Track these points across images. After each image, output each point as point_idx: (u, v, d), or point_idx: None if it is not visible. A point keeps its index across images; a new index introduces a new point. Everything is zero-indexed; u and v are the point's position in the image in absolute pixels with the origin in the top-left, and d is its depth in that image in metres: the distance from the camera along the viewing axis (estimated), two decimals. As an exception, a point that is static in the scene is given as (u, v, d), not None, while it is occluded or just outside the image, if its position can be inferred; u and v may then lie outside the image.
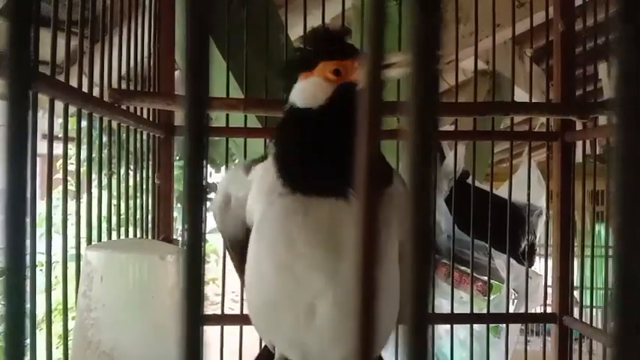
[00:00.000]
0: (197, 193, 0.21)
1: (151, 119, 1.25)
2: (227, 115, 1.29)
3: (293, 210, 0.78)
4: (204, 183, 0.22)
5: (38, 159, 1.00)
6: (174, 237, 1.26)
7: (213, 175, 3.93)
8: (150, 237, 1.25)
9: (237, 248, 0.92)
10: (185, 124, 0.21)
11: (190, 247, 0.20)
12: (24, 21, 0.22)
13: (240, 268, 0.91)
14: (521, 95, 1.56)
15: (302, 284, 0.79)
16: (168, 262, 0.88)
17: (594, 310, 1.32)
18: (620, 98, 0.19)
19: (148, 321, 0.86)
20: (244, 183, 0.87)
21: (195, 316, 0.21)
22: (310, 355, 0.84)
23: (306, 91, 0.82)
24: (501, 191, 1.60)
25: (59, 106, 0.87)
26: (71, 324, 0.91)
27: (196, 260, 0.20)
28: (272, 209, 0.79)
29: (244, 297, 0.90)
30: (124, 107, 1.09)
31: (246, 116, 1.29)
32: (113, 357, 0.83)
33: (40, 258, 0.87)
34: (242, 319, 1.24)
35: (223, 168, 1.47)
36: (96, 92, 1.02)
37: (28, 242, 0.25)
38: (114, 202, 1.08)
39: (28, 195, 0.24)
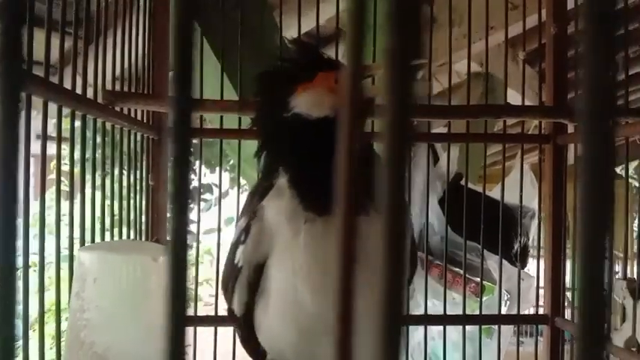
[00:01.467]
0: (182, 192, 0.21)
1: (144, 121, 1.25)
2: (221, 117, 1.30)
3: (322, 234, 0.77)
4: (189, 184, 0.22)
5: (32, 159, 1.00)
6: (168, 238, 1.26)
7: (208, 176, 3.92)
8: (143, 238, 1.25)
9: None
10: (172, 126, 0.21)
11: (175, 246, 0.21)
12: (15, 21, 0.23)
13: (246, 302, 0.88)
14: (514, 96, 1.57)
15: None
16: (160, 263, 0.89)
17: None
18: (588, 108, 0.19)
19: (141, 322, 0.86)
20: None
21: (179, 317, 0.21)
22: None
23: (314, 103, 0.81)
24: (494, 193, 1.61)
25: (53, 107, 0.87)
26: (64, 325, 0.91)
27: (181, 261, 0.21)
28: (299, 236, 0.78)
29: (258, 329, 0.87)
30: (117, 109, 1.09)
31: (240, 117, 1.29)
32: (106, 358, 0.83)
33: (34, 258, 0.87)
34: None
35: (217, 168, 1.48)
36: (89, 93, 1.02)
37: (20, 243, 0.25)
38: (107, 203, 1.08)
39: (20, 196, 0.24)
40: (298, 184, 0.80)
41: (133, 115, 1.18)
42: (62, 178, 0.94)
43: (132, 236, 1.20)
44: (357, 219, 0.22)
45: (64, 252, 0.95)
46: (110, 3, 1.10)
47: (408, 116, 0.19)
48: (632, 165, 2.48)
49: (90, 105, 0.98)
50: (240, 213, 0.92)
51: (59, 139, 0.91)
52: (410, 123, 0.19)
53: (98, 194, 1.06)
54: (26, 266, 0.83)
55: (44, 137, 0.85)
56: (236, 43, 1.26)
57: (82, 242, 0.99)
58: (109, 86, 1.08)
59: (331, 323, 0.78)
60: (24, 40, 0.23)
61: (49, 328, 0.92)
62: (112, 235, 1.11)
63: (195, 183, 1.54)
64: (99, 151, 1.05)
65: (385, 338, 0.19)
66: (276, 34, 1.42)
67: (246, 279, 0.84)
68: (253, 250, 0.82)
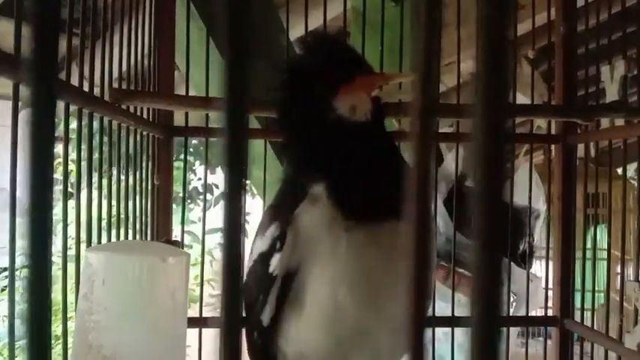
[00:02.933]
0: (236, 193, 0.20)
1: (150, 119, 1.23)
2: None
3: (364, 243, 0.75)
4: (243, 180, 0.21)
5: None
6: (173, 238, 1.24)
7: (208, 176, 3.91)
8: (149, 238, 1.23)
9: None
10: (225, 127, 0.20)
11: (228, 245, 0.19)
12: (50, 24, 0.21)
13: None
14: (517, 98, 1.55)
15: (382, 315, 0.77)
16: (169, 264, 0.87)
17: (595, 312, 1.32)
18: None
19: (149, 324, 0.85)
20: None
21: (233, 315, 0.20)
22: None
23: (358, 107, 0.78)
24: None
25: (59, 105, 0.86)
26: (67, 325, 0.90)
27: (234, 257, 0.19)
28: (341, 245, 0.76)
29: (287, 340, 0.85)
30: (123, 107, 1.08)
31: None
32: (114, 361, 0.81)
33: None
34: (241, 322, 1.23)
35: (218, 169, 1.46)
36: (96, 92, 1.00)
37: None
38: (113, 202, 1.06)
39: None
40: (338, 191, 0.77)
41: (138, 114, 1.16)
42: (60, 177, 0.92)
43: (137, 236, 1.18)
44: (427, 224, 0.20)
45: (70, 252, 0.93)
46: (116, 0, 1.08)
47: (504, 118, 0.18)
48: (633, 166, 2.47)
49: (97, 103, 0.97)
50: (262, 220, 0.87)
51: (67, 137, 0.89)
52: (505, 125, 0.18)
53: (104, 194, 1.04)
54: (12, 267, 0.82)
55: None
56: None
57: (89, 242, 0.97)
58: (114, 84, 1.07)
59: (370, 334, 0.76)
60: (57, 44, 0.21)
61: (53, 328, 0.90)
62: (118, 235, 1.09)
63: (194, 183, 1.52)
64: (105, 149, 1.03)
65: (483, 340, 0.18)
66: (281, 33, 1.41)
67: (278, 289, 0.81)
68: (288, 259, 0.79)
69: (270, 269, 0.80)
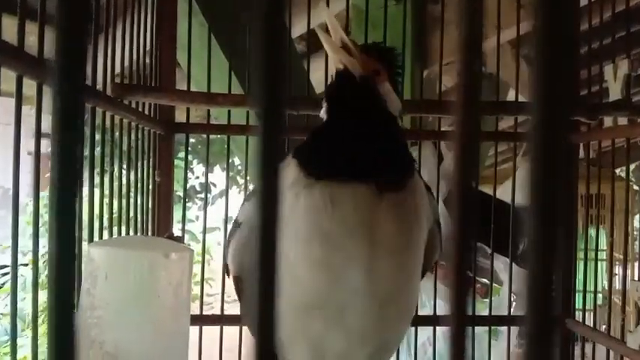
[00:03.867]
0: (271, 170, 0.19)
1: (151, 115, 1.23)
2: (229, 112, 1.27)
3: (322, 200, 0.74)
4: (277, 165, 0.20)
5: (28, 157, 0.98)
6: (176, 234, 1.24)
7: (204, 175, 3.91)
8: (149, 234, 1.23)
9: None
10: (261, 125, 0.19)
11: (263, 227, 0.19)
12: (78, 31, 0.21)
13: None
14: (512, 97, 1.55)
15: (339, 280, 0.75)
16: (172, 259, 0.86)
17: (597, 312, 1.32)
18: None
19: (152, 320, 0.84)
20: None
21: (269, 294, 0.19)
22: (332, 359, 0.81)
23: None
24: (498, 193, 1.59)
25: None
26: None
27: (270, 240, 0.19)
28: (299, 202, 0.75)
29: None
30: (125, 102, 1.07)
31: (248, 114, 1.27)
32: (116, 356, 0.80)
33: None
34: (241, 320, 1.23)
35: (215, 167, 1.46)
36: (97, 87, 0.99)
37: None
38: (114, 199, 1.06)
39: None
40: (302, 152, 0.80)
41: (140, 109, 1.16)
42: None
43: (138, 233, 1.17)
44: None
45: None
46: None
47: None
48: (631, 167, 2.48)
49: (99, 98, 0.96)
50: None
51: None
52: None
53: (104, 190, 1.03)
54: (36, 264, 0.81)
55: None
56: (244, 41, 1.24)
57: (90, 239, 0.96)
58: (116, 80, 1.06)
59: (332, 308, 0.74)
60: (85, 50, 0.21)
61: (44, 328, 0.89)
62: (119, 232, 1.08)
63: (191, 182, 1.51)
64: (106, 146, 1.02)
65: (537, 336, 0.17)
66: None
67: (244, 238, 0.83)
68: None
69: (237, 217, 0.86)
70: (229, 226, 1.59)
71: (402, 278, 0.79)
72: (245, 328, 1.25)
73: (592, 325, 1.26)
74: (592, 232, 1.67)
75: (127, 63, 1.12)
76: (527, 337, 0.19)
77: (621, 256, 1.38)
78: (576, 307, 1.38)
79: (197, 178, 4.27)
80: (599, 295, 1.53)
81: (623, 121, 1.17)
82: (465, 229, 0.22)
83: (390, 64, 0.85)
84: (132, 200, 1.13)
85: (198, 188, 4.12)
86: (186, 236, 2.64)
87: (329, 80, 1.25)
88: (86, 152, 0.97)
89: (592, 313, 1.27)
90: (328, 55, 0.82)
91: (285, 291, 0.83)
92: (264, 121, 0.19)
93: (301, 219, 0.75)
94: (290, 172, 0.77)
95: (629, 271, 2.06)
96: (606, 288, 1.58)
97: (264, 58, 0.20)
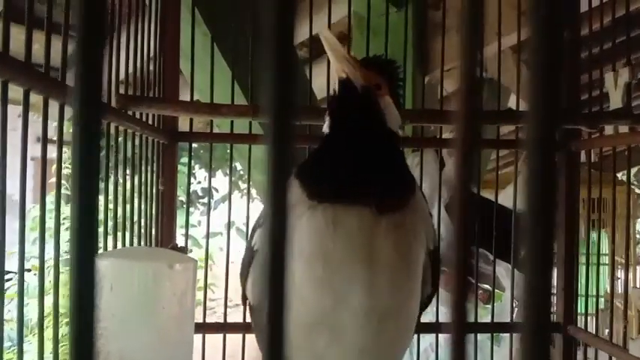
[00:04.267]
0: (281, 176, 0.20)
1: (155, 125, 1.23)
2: (232, 122, 1.28)
3: (324, 222, 0.76)
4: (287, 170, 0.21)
5: (33, 162, 0.98)
6: (179, 240, 1.24)
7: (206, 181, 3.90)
8: (153, 242, 1.23)
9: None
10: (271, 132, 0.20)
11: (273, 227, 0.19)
12: (96, 46, 0.21)
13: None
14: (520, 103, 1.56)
15: (341, 299, 0.76)
16: (176, 270, 0.87)
17: (599, 318, 1.32)
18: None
19: (156, 330, 0.85)
20: None
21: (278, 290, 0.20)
22: None
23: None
24: (500, 198, 1.59)
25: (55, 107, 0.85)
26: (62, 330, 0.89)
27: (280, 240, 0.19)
28: (302, 223, 0.77)
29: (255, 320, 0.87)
30: (129, 113, 1.08)
31: (251, 123, 1.28)
32: (122, 367, 0.81)
33: (35, 262, 0.85)
34: (244, 328, 1.23)
35: (217, 173, 1.47)
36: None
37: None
38: (118, 207, 1.06)
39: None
40: (303, 171, 0.80)
41: (143, 119, 1.16)
42: (63, 182, 0.91)
43: (141, 240, 1.18)
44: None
45: (63, 257, 0.92)
46: (124, 5, 1.08)
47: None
48: (632, 171, 2.48)
49: (104, 109, 0.96)
50: None
51: (60, 142, 0.87)
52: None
53: (106, 198, 1.04)
54: (42, 270, 0.82)
55: (60, 140, 0.83)
56: (247, 50, 1.24)
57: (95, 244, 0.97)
58: (120, 89, 1.07)
59: (332, 314, 0.74)
60: (102, 65, 0.22)
61: (49, 333, 0.90)
62: (123, 240, 1.09)
63: (193, 187, 1.52)
64: (111, 153, 1.03)
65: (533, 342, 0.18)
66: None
67: (262, 267, 0.84)
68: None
69: (252, 243, 0.86)
70: (232, 232, 1.60)
71: (401, 296, 0.81)
72: (248, 336, 1.25)
73: (594, 331, 1.27)
74: (594, 236, 1.67)
75: (134, 73, 1.12)
76: (522, 344, 0.19)
77: (623, 260, 1.38)
78: (579, 311, 1.38)
79: (199, 183, 4.28)
80: (602, 300, 1.53)
81: (623, 128, 1.18)
82: (466, 235, 0.22)
83: (391, 76, 0.86)
84: (135, 208, 1.14)
85: (200, 193, 4.13)
86: (189, 242, 2.64)
87: (331, 87, 1.27)
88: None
89: (594, 318, 1.28)
90: (331, 63, 0.83)
91: (294, 314, 0.84)
92: (273, 135, 0.20)
93: (305, 240, 0.77)
94: (293, 192, 0.78)
95: (630, 275, 2.06)
96: (608, 292, 1.58)
97: (274, 67, 0.20)
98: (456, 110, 0.23)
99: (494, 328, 1.41)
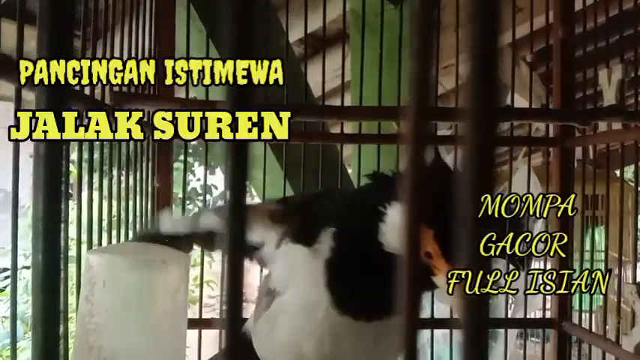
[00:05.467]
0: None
1: (149, 122, 1.23)
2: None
3: (340, 331, 0.77)
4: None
5: (30, 159, 0.98)
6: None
7: (208, 178, 3.90)
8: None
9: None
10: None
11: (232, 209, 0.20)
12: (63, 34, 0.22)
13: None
14: (516, 100, 1.56)
15: None
16: (169, 266, 0.87)
17: (593, 314, 1.32)
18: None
19: (150, 326, 0.85)
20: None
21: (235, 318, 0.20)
22: None
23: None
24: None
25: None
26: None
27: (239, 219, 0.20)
28: (317, 320, 0.78)
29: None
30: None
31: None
32: (115, 362, 0.82)
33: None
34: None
35: (218, 169, 1.47)
36: (95, 94, 1.00)
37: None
38: (114, 204, 1.07)
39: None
40: (335, 274, 0.77)
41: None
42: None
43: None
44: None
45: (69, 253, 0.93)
46: (117, 2, 1.09)
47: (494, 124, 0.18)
48: (631, 168, 2.48)
49: (98, 105, 0.97)
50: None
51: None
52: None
53: (103, 196, 1.04)
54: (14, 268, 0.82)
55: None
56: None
57: (90, 244, 0.98)
58: (114, 87, 1.07)
59: None
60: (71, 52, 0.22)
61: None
62: (118, 237, 1.09)
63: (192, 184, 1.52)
64: (105, 151, 1.04)
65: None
66: (281, 35, 1.41)
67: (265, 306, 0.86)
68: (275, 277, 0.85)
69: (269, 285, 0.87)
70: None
71: None
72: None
73: (588, 327, 1.27)
74: (589, 232, 1.67)
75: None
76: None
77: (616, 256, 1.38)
78: (573, 308, 1.38)
79: (198, 180, 4.27)
80: (598, 297, 1.54)
81: (617, 125, 1.18)
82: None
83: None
84: (131, 205, 1.14)
85: (199, 190, 4.12)
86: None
87: (326, 85, 1.28)
88: (85, 156, 0.99)
89: (588, 314, 1.28)
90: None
91: None
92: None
93: (316, 332, 0.79)
94: (315, 275, 0.78)
95: (630, 272, 2.06)
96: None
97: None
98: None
99: (490, 323, 1.41)
